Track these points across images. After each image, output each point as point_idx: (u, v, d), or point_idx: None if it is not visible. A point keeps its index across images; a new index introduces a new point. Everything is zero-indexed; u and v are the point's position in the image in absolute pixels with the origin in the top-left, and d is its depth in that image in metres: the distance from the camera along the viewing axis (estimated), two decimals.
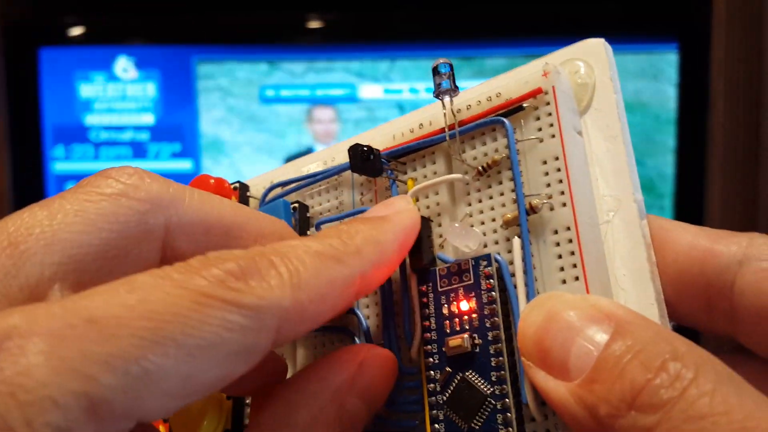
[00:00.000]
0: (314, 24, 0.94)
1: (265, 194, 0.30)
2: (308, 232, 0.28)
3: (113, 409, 0.14)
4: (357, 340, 0.25)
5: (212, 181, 0.30)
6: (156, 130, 1.03)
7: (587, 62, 0.25)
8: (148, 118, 1.01)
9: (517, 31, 0.92)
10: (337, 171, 0.28)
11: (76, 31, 0.95)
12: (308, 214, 0.28)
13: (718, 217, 0.85)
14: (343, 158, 0.28)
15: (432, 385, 0.22)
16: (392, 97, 0.98)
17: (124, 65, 0.98)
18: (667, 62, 0.94)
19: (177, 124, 1.02)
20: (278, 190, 0.30)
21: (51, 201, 0.18)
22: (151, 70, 0.99)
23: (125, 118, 1.01)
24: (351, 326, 0.25)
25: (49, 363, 0.13)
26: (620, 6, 0.91)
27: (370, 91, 0.97)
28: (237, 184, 0.30)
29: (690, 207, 0.91)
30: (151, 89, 1.00)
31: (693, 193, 0.90)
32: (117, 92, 1.00)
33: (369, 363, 0.21)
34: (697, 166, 0.89)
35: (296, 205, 0.28)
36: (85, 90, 1.00)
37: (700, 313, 0.21)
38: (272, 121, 1.00)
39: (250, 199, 0.30)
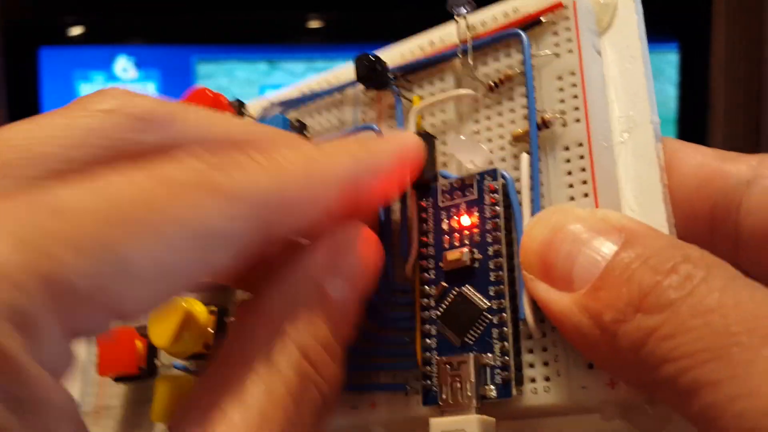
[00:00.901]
0: (314, 24, 0.93)
1: (263, 115, 0.29)
2: None
3: (79, 294, 0.12)
4: None
5: (210, 94, 0.29)
6: None
7: None
8: None
9: None
10: (338, 88, 0.27)
11: (76, 30, 0.94)
12: (306, 133, 0.27)
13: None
14: (347, 79, 0.27)
15: (426, 300, 0.21)
16: None
17: (124, 65, 0.97)
18: (667, 62, 0.93)
19: None
20: (277, 110, 0.29)
21: (42, 116, 0.17)
22: (151, 70, 0.98)
23: None
24: None
25: (7, 242, 0.12)
26: None
27: None
28: (235, 102, 0.29)
29: None
30: (151, 89, 0.98)
31: None
32: None
33: (345, 241, 0.19)
34: None
35: (296, 122, 0.27)
36: (85, 90, 0.98)
37: (702, 238, 0.20)
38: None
39: (246, 118, 0.29)
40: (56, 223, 0.13)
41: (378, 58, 0.23)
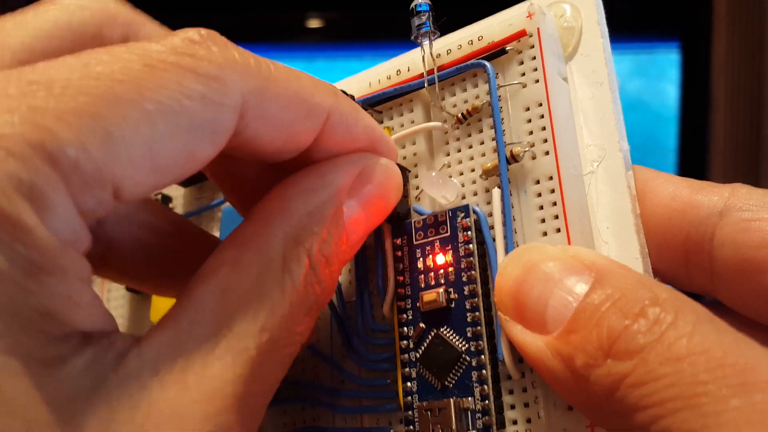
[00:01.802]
0: (314, 24, 0.92)
1: None
2: None
3: (78, 168, 0.13)
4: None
5: None
6: None
7: (573, 5, 0.23)
8: None
9: None
10: None
11: None
12: None
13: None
14: None
15: (405, 342, 0.21)
16: None
17: None
18: (668, 61, 0.93)
19: None
20: None
21: (16, 13, 0.17)
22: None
23: None
24: None
25: (2, 117, 0.12)
26: (621, 5, 0.89)
27: None
28: None
29: None
30: None
31: None
32: None
33: (370, 171, 0.19)
34: (699, 166, 0.88)
35: None
36: None
37: (678, 269, 0.20)
38: None
39: None
40: (39, 93, 0.13)
41: (344, 92, 0.23)
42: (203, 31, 0.15)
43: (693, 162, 0.90)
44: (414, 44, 0.24)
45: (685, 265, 0.20)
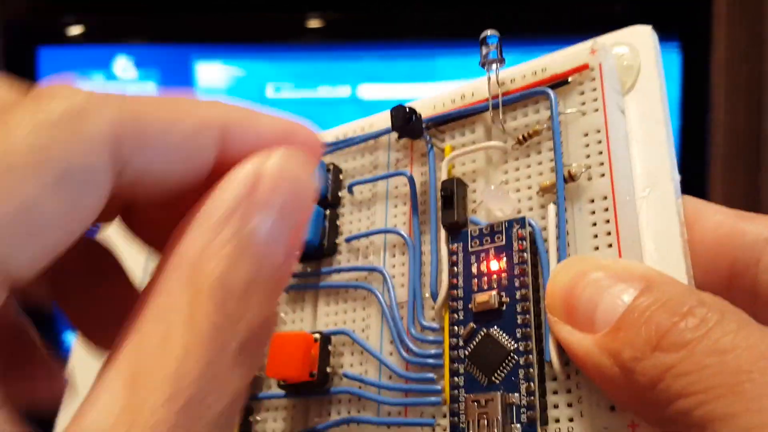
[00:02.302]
0: (314, 24, 0.94)
1: None
2: (339, 194, 0.28)
3: None
4: (380, 296, 0.25)
5: None
6: None
7: (633, 46, 0.25)
8: None
9: (518, 31, 0.91)
10: (375, 135, 0.28)
11: (75, 30, 0.93)
12: (341, 176, 0.29)
13: None
14: (381, 126, 0.28)
15: (455, 339, 0.22)
16: (392, 96, 0.99)
17: (123, 65, 0.96)
18: (668, 61, 0.93)
19: None
20: None
21: None
22: (150, 70, 0.97)
23: None
24: (375, 283, 0.25)
25: None
26: (621, 5, 0.91)
27: (369, 91, 0.97)
28: None
29: None
30: (150, 89, 0.97)
31: (695, 192, 0.89)
32: (116, 92, 0.99)
33: (269, 174, 0.16)
34: (699, 166, 0.88)
35: (330, 166, 0.29)
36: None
37: (721, 293, 0.21)
38: None
39: None
40: None
41: (413, 110, 0.25)
42: (55, 83, 0.14)
43: (693, 162, 0.89)
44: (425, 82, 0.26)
45: (729, 289, 0.21)
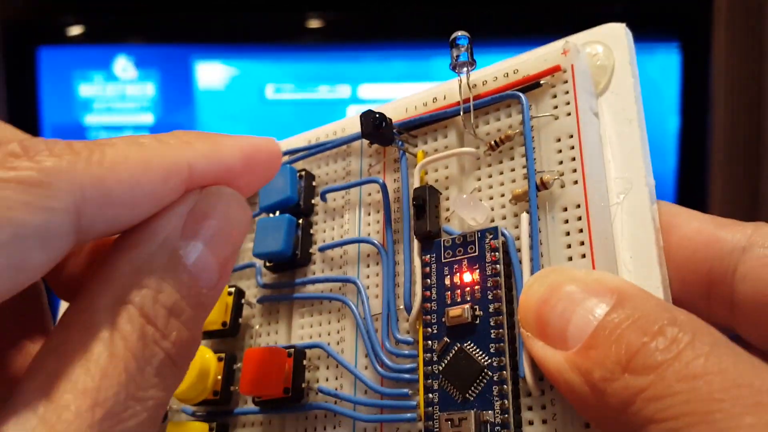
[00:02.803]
0: (314, 24, 0.93)
1: None
2: (312, 201, 0.28)
3: None
4: (354, 308, 0.24)
5: None
6: (155, 130, 1.00)
7: (607, 45, 0.24)
8: (148, 118, 0.99)
9: (516, 31, 0.91)
10: (346, 141, 0.27)
11: (75, 30, 0.94)
12: (314, 183, 0.28)
13: (720, 216, 0.84)
14: (354, 130, 0.28)
15: (429, 354, 0.21)
16: (393, 96, 0.98)
17: (123, 65, 0.97)
18: (668, 61, 0.93)
19: (176, 124, 0.99)
20: (285, 158, 0.30)
21: None
22: (150, 70, 0.98)
23: (124, 118, 0.99)
24: (350, 294, 0.25)
25: None
26: (621, 6, 0.90)
27: (369, 90, 0.98)
28: None
29: (691, 206, 0.90)
30: (150, 89, 0.98)
31: (694, 193, 0.89)
32: (116, 92, 0.97)
33: (206, 205, 0.17)
34: (699, 166, 0.88)
35: (302, 172, 0.28)
36: (84, 89, 0.96)
37: (699, 301, 0.21)
38: (272, 121, 1.00)
39: None
40: None
41: (383, 116, 0.24)
42: (26, 141, 0.14)
43: (693, 162, 0.90)
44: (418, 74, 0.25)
45: (706, 298, 0.21)
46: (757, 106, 0.78)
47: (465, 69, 0.24)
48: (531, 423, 0.19)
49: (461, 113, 0.24)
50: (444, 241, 0.23)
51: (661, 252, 0.21)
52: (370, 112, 0.24)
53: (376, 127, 0.24)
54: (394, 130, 0.25)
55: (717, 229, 0.21)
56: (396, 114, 0.26)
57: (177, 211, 0.16)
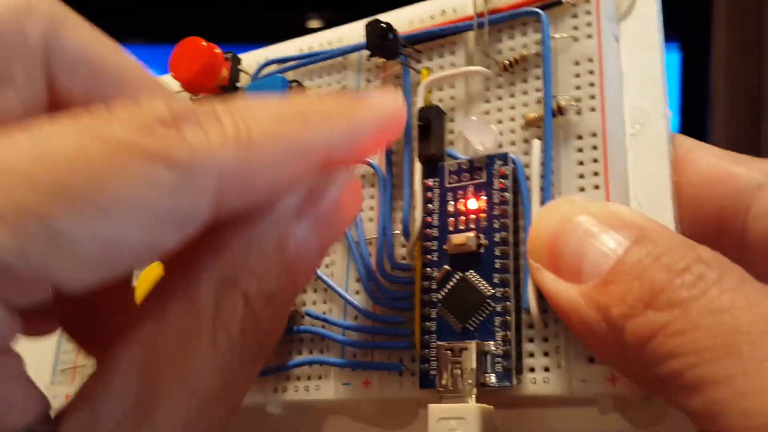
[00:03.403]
0: (314, 24, 0.91)
1: (259, 70, 0.27)
2: None
3: (12, 270, 0.11)
4: (347, 231, 0.23)
5: (204, 44, 0.27)
6: None
7: None
8: None
9: None
10: (344, 52, 0.25)
11: None
12: None
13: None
14: (351, 41, 0.26)
15: (427, 282, 0.20)
16: None
17: None
18: (668, 61, 0.93)
19: None
20: (274, 68, 0.27)
21: None
22: (150, 70, 0.95)
23: None
24: None
25: None
26: None
27: None
28: (229, 54, 0.28)
29: None
30: None
31: None
32: None
33: (322, 185, 0.16)
34: None
35: (293, 84, 0.26)
36: None
37: (709, 238, 0.20)
38: None
39: (241, 74, 0.28)
40: None
41: (390, 27, 0.22)
42: (174, 106, 0.13)
43: None
44: None
45: (717, 235, 0.20)
46: (757, 106, 0.78)
47: None
48: (532, 355, 0.19)
49: (475, 28, 0.22)
50: (449, 165, 0.21)
51: (674, 187, 0.20)
52: (377, 21, 0.22)
53: (383, 37, 0.22)
54: (400, 45, 0.23)
55: (732, 164, 0.20)
56: (400, 26, 0.24)
57: (295, 191, 0.16)
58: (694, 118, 0.90)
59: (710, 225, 0.20)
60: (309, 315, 0.23)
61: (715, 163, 0.20)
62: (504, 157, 0.20)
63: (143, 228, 0.12)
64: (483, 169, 0.21)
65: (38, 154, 0.12)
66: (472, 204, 0.20)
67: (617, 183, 0.20)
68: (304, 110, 0.15)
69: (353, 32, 0.26)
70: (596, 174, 0.20)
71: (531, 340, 0.19)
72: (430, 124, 0.22)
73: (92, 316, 0.18)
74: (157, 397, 0.13)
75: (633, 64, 0.21)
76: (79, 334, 0.19)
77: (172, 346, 0.14)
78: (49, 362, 0.29)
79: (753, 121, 0.79)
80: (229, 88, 0.27)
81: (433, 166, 0.22)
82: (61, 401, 0.27)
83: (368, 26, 0.22)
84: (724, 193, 0.20)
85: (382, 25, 0.22)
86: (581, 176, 0.20)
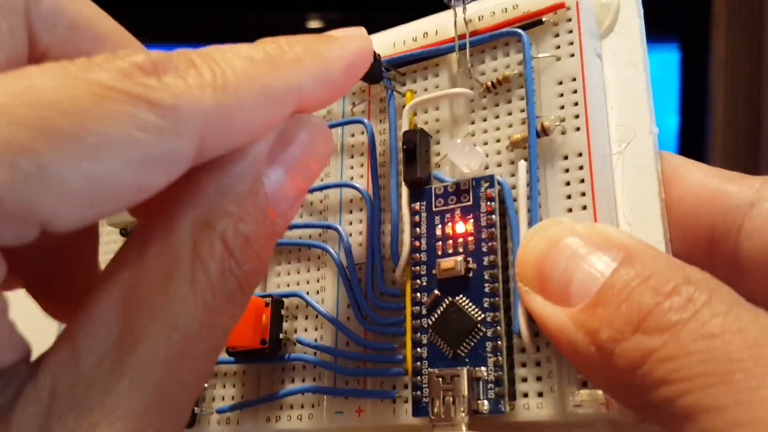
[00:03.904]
0: (314, 24, 0.91)
1: None
2: None
3: (3, 206, 0.11)
4: (336, 256, 0.23)
5: None
6: None
7: None
8: None
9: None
10: None
11: None
12: None
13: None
14: None
15: (417, 307, 0.20)
16: None
17: None
18: (668, 61, 0.93)
19: None
20: None
21: None
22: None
23: None
24: (330, 241, 0.24)
25: None
26: None
27: None
28: None
29: None
30: None
31: None
32: None
33: (292, 131, 0.16)
34: None
35: None
36: None
37: (700, 258, 0.20)
38: None
39: None
40: None
41: (373, 53, 0.22)
42: (153, 55, 0.14)
43: None
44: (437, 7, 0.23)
45: (708, 254, 0.20)
46: (756, 105, 0.78)
47: (461, 2, 0.22)
48: (525, 380, 0.19)
49: (456, 50, 0.22)
50: (435, 188, 0.21)
51: (663, 205, 0.20)
52: None
53: None
54: (383, 68, 0.23)
55: (723, 182, 0.20)
56: (383, 49, 0.24)
57: (267, 136, 0.16)
58: (694, 118, 0.90)
59: (701, 244, 0.20)
60: (301, 342, 0.23)
61: (706, 181, 0.20)
62: (490, 179, 0.20)
63: (130, 168, 0.13)
64: (469, 192, 0.21)
65: (24, 95, 0.12)
66: (460, 227, 0.20)
67: (605, 203, 0.19)
68: (275, 54, 0.16)
69: None
70: (583, 194, 0.19)
71: (523, 365, 0.19)
72: (415, 147, 0.22)
73: (57, 275, 0.18)
74: (138, 333, 0.13)
75: (617, 82, 0.21)
76: (43, 294, 0.19)
77: (151, 286, 0.14)
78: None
79: (752, 121, 0.79)
80: None
81: (419, 190, 0.22)
82: None
83: None
84: (716, 212, 0.20)
85: None
86: (568, 197, 0.20)
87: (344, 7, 0.92)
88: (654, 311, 0.15)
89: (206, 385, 0.24)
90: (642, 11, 0.22)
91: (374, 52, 0.23)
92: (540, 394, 0.18)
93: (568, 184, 0.20)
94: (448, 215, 0.21)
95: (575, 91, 0.20)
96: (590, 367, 0.16)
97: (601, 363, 0.15)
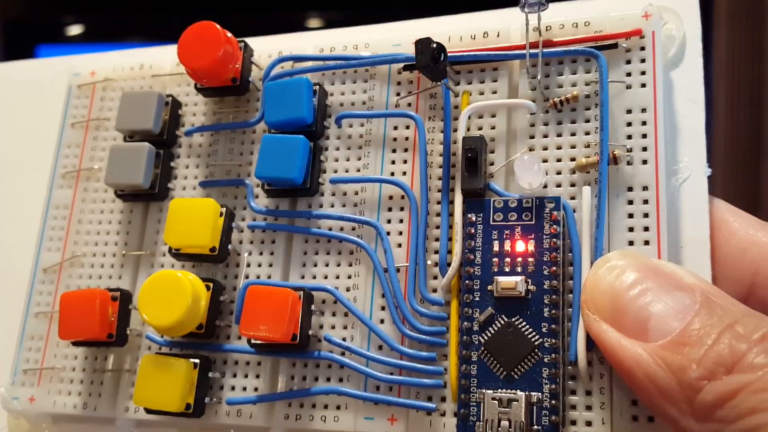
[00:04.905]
0: (314, 24, 0.89)
1: (272, 66, 0.25)
2: (325, 123, 0.24)
3: None
4: (374, 255, 0.22)
5: (219, 28, 0.25)
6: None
7: (677, 14, 0.23)
8: None
9: None
10: (379, 61, 0.24)
11: (75, 29, 0.94)
12: (327, 102, 0.25)
13: None
14: (380, 49, 0.24)
15: (467, 323, 0.20)
16: None
17: None
18: None
19: None
20: (289, 65, 0.26)
21: None
22: None
23: None
24: (366, 238, 0.23)
25: None
26: None
27: None
28: (242, 43, 0.26)
29: None
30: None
31: None
32: None
33: None
34: None
35: (316, 87, 0.24)
36: None
37: (739, 299, 0.21)
38: None
39: (254, 67, 0.26)
40: None
41: (441, 48, 0.21)
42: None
43: None
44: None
45: (745, 299, 0.21)
46: (757, 106, 0.81)
47: (536, 9, 0.22)
48: (573, 407, 0.19)
49: (528, 59, 0.22)
50: (495, 201, 0.21)
51: (710, 245, 0.20)
52: (428, 40, 0.21)
53: (434, 59, 0.21)
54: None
55: (765, 231, 0.21)
56: (437, 40, 0.23)
57: None
58: None
59: (741, 288, 0.21)
60: (328, 341, 0.22)
61: (749, 228, 0.21)
62: (556, 201, 0.20)
63: None
64: (532, 211, 0.20)
65: None
66: (520, 246, 0.20)
67: (669, 240, 0.20)
68: None
69: (382, 40, 0.25)
70: (646, 229, 0.20)
71: (573, 393, 0.19)
72: (477, 155, 0.21)
73: None
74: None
75: (679, 117, 0.22)
76: None
77: None
78: (9, 360, 0.26)
79: (753, 121, 0.81)
80: (241, 81, 0.25)
81: (477, 200, 0.21)
82: (23, 404, 0.25)
83: (419, 44, 0.21)
84: (759, 258, 0.20)
85: (434, 45, 0.21)
86: (630, 229, 0.20)
87: (344, 7, 0.92)
88: (747, 354, 0.15)
89: (219, 375, 0.23)
90: (701, 48, 0.23)
91: (443, 48, 0.21)
92: (589, 423, 0.19)
93: (631, 216, 0.20)
94: (507, 231, 0.20)
95: (644, 123, 0.20)
96: (668, 400, 0.17)
97: (681, 397, 0.16)
